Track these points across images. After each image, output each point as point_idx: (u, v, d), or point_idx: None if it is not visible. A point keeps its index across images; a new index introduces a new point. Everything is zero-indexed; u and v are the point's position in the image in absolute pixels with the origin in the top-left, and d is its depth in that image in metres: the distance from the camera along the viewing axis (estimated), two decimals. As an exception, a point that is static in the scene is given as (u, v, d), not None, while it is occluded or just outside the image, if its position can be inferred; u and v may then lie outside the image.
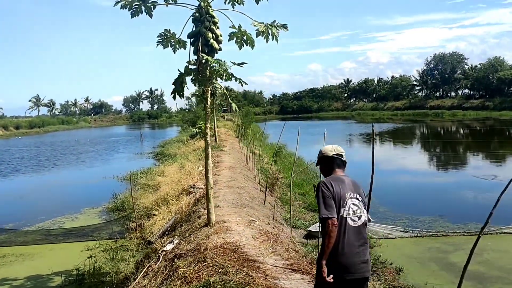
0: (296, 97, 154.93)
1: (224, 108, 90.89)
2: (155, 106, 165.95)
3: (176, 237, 8.63)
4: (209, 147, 7.94)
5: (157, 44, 7.92)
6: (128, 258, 10.13)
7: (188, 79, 7.86)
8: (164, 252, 7.68)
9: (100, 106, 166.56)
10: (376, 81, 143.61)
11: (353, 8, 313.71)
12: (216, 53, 7.99)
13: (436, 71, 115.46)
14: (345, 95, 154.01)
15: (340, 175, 4.16)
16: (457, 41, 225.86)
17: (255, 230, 8.28)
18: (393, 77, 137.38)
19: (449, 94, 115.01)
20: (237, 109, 7.86)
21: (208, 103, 7.85)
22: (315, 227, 11.35)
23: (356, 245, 3.87)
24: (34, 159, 37.62)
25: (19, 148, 50.44)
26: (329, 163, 4.24)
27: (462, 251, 10.29)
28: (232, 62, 7.60)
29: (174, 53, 8.03)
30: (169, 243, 8.18)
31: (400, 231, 12.17)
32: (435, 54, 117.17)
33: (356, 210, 3.95)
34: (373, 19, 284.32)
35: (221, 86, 25.59)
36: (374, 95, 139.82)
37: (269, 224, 10.18)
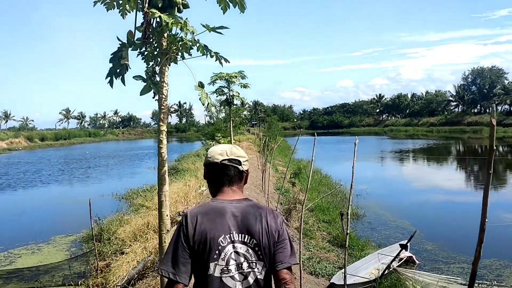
0: (326, 112, 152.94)
1: (253, 122, 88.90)
2: (184, 120, 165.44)
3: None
4: (165, 166, 4.89)
5: (94, 4, 4.93)
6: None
7: (134, 55, 4.87)
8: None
9: (129, 119, 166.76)
10: (409, 97, 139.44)
11: (386, 24, 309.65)
12: (180, 11, 4.91)
13: (474, 86, 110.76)
14: (377, 110, 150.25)
15: (225, 200, 2.41)
16: (492, 58, 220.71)
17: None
18: (427, 92, 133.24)
19: (487, 110, 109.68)
20: (212, 105, 4.78)
21: (166, 93, 4.78)
22: (340, 278, 8.17)
23: None
24: (30, 173, 34.97)
25: (25, 161, 48.20)
26: (215, 175, 2.51)
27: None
28: (204, 25, 4.62)
29: (123, 18, 5.03)
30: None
31: (461, 283, 8.78)
32: (473, 68, 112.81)
33: (242, 264, 2.26)
34: (406, 35, 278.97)
35: (238, 93, 22.19)
36: (407, 111, 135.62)
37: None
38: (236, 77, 27.19)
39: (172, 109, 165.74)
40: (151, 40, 4.80)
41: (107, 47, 4.94)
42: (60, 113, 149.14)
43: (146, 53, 4.92)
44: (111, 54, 4.79)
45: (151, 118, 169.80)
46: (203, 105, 4.53)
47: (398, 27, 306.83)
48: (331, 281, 8.50)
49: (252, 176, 19.05)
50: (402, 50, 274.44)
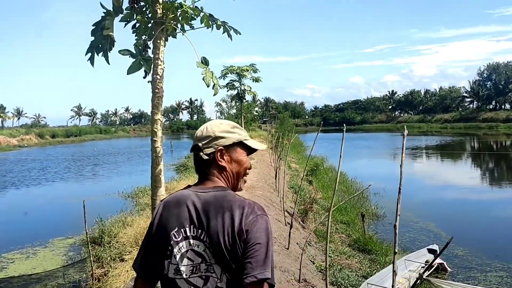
0: (338, 109, 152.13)
1: (264, 119, 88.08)
2: (195, 117, 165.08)
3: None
4: (160, 164, 3.95)
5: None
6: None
7: (121, 27, 3.98)
8: None
9: (140, 116, 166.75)
10: (422, 93, 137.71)
11: (399, 20, 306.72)
12: (178, -30, 3.96)
13: (489, 82, 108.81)
14: (390, 107, 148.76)
15: (195, 188, 1.97)
16: (505, 54, 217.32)
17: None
18: (441, 88, 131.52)
19: (503, 106, 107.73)
20: (218, 86, 3.81)
21: (161, 73, 3.84)
22: (368, 291, 7.22)
23: None
24: (36, 171, 34.08)
25: (31, 158, 47.50)
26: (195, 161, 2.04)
27: None
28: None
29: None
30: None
31: None
32: (489, 64, 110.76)
33: (199, 266, 1.85)
34: (418, 32, 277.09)
35: (250, 87, 21.10)
36: (420, 107, 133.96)
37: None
38: (247, 70, 26.43)
39: (183, 106, 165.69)
40: (142, 7, 3.88)
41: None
42: (71, 110, 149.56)
43: (138, 25, 3.98)
44: (93, 25, 3.85)
45: (162, 114, 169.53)
46: (208, 86, 3.57)
47: (411, 23, 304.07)
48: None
49: (265, 174, 18.09)
50: (414, 47, 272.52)
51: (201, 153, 1.99)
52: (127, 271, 7.70)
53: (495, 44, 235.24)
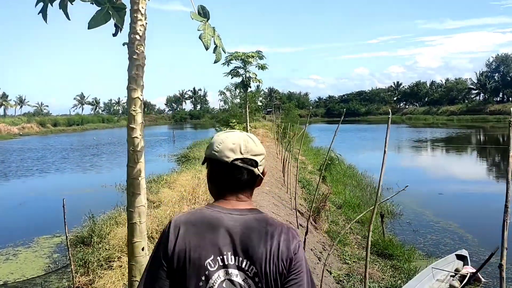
0: (342, 100, 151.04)
1: (268, 110, 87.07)
2: (198, 106, 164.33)
3: None
4: (139, 162, 2.80)
5: None
6: None
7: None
8: None
9: (143, 105, 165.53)
10: (428, 85, 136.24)
11: (404, 12, 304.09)
12: None
13: (497, 74, 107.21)
14: (395, 98, 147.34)
15: (225, 209, 1.75)
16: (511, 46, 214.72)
17: None
18: (447, 80, 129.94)
19: (510, 99, 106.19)
20: (222, 49, 2.60)
21: (141, 32, 2.63)
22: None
23: None
24: (31, 161, 32.93)
25: (27, 147, 46.33)
26: (220, 176, 1.81)
27: None
28: None
29: None
30: None
31: None
32: (498, 55, 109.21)
33: None
34: (423, 23, 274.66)
35: (255, 75, 19.78)
36: (426, 99, 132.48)
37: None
38: (253, 57, 25.20)
39: (186, 95, 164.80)
40: None
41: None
42: (74, 98, 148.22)
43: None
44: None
45: (165, 104, 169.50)
46: (206, 48, 2.40)
47: (416, 14, 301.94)
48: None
49: (272, 167, 16.93)
50: (419, 38, 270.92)
51: (257, 169, 1.82)
52: (113, 282, 6.59)
53: (501, 35, 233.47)
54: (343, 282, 7.27)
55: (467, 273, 8.09)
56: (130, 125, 2.76)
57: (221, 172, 1.79)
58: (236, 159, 1.76)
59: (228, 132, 1.86)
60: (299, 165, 19.88)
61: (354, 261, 8.58)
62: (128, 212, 2.83)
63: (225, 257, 1.67)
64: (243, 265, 1.66)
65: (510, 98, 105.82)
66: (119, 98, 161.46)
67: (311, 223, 9.95)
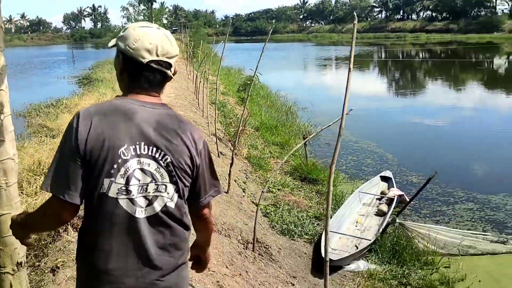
0: (249, 18, 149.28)
1: (174, 28, 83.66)
2: (99, 25, 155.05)
3: None
4: (1, 85, 1.76)
5: None
6: None
7: None
8: None
9: (38, 24, 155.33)
10: (333, 2, 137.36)
11: None
12: None
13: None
14: (301, 16, 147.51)
15: (139, 101, 1.73)
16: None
17: None
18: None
19: (410, 17, 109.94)
20: None
21: None
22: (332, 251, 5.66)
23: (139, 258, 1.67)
24: None
25: None
26: (133, 73, 1.77)
27: None
28: None
29: None
30: None
31: (496, 240, 6.41)
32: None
33: (147, 186, 1.69)
34: None
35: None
36: (331, 17, 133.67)
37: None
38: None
39: (85, 13, 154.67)
40: None
41: None
42: None
43: None
44: None
45: (63, 22, 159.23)
46: None
47: None
48: (314, 248, 5.90)
49: (183, 89, 15.81)
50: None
51: (170, 70, 1.81)
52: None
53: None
54: (271, 214, 6.66)
55: (394, 196, 7.83)
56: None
57: (133, 70, 1.76)
58: (152, 61, 1.73)
59: (145, 27, 1.77)
60: (212, 86, 18.87)
61: (278, 189, 7.99)
62: None
63: (137, 146, 1.67)
64: (157, 155, 1.69)
65: (410, 16, 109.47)
66: (10, 15, 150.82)
67: (230, 148, 9.21)
